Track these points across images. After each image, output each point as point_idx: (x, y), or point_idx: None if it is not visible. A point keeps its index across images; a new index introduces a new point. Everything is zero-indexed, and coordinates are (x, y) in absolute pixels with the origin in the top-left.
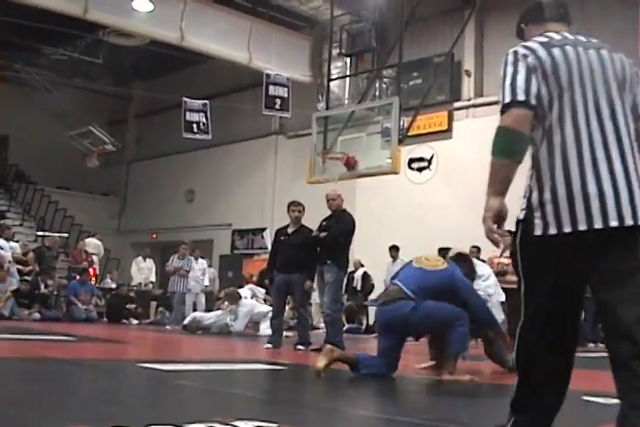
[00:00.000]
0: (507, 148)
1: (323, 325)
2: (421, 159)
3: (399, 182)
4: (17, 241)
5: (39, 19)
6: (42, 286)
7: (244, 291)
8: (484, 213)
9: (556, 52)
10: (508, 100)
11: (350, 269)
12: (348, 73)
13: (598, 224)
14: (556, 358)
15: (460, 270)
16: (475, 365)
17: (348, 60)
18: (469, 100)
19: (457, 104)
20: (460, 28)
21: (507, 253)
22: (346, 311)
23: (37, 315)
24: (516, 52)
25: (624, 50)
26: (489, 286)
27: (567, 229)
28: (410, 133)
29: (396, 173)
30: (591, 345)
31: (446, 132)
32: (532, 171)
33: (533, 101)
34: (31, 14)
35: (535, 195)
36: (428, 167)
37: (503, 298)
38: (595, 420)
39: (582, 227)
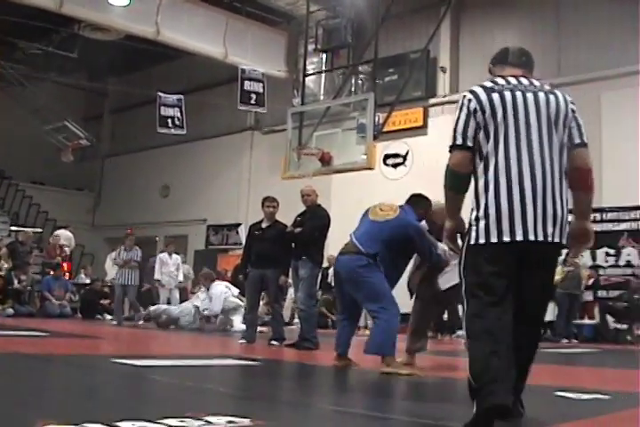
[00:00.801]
0: (450, 183)
1: (297, 320)
2: (396, 155)
3: (374, 178)
4: None
5: (14, 13)
6: (15, 282)
7: (219, 284)
8: (447, 232)
9: (495, 95)
10: (450, 143)
11: (325, 264)
12: (323, 68)
13: (517, 238)
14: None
15: (412, 215)
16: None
17: (324, 55)
18: (445, 96)
19: (432, 100)
20: (435, 25)
21: None
22: (325, 304)
23: (11, 310)
24: (464, 97)
25: (625, 49)
26: None
27: (481, 241)
28: (385, 129)
29: (371, 168)
30: (564, 341)
31: (421, 129)
32: (474, 193)
33: (469, 143)
34: (6, 8)
35: (474, 213)
36: (403, 163)
37: None
38: (567, 415)
39: (505, 238)
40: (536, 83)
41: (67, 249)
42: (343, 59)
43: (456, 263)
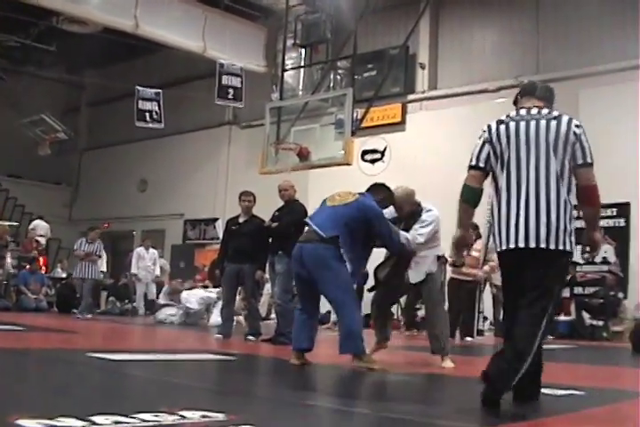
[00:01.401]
0: (465, 197)
1: (274, 315)
2: (374, 151)
3: (352, 174)
4: None
5: None
6: None
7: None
8: (455, 240)
9: (502, 127)
10: (468, 164)
11: None
12: (302, 64)
13: (510, 245)
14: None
15: (372, 199)
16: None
17: (303, 50)
18: (423, 92)
19: (411, 96)
20: (414, 21)
21: None
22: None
23: None
24: (483, 129)
25: (603, 48)
26: (422, 235)
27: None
28: (363, 125)
29: (348, 164)
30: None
31: (400, 125)
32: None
33: (481, 164)
34: None
35: (492, 229)
36: (381, 159)
37: (441, 253)
38: (542, 411)
39: (504, 247)
40: (544, 111)
41: (43, 239)
42: (322, 54)
43: (424, 255)
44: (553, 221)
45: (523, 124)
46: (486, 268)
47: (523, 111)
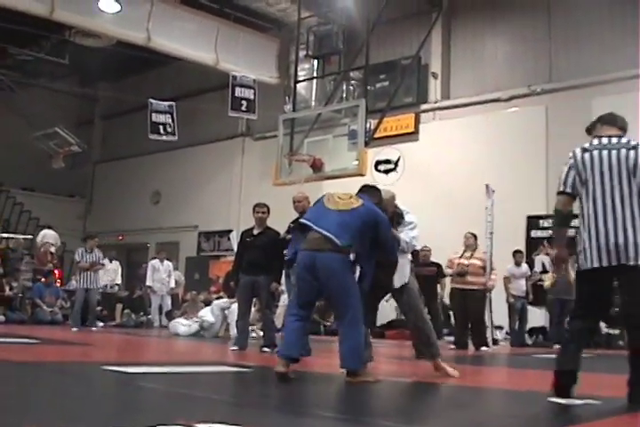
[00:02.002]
0: (558, 221)
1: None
2: (388, 161)
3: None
4: None
5: (5, 19)
6: (6, 289)
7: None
8: (554, 259)
9: (587, 155)
10: (557, 190)
11: None
12: (314, 75)
13: (596, 264)
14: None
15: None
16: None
17: (315, 62)
18: (436, 102)
19: (423, 106)
20: (427, 31)
21: (467, 255)
22: (317, 311)
23: (2, 317)
24: (569, 156)
25: (616, 55)
26: (415, 237)
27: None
28: (376, 136)
29: (362, 175)
30: (557, 346)
31: (413, 135)
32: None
33: (569, 190)
34: None
35: (580, 246)
36: (394, 169)
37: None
38: (559, 421)
39: (596, 265)
40: (623, 140)
41: (53, 249)
42: (334, 65)
43: (403, 259)
44: (630, 240)
45: (605, 153)
46: (494, 276)
47: (604, 140)
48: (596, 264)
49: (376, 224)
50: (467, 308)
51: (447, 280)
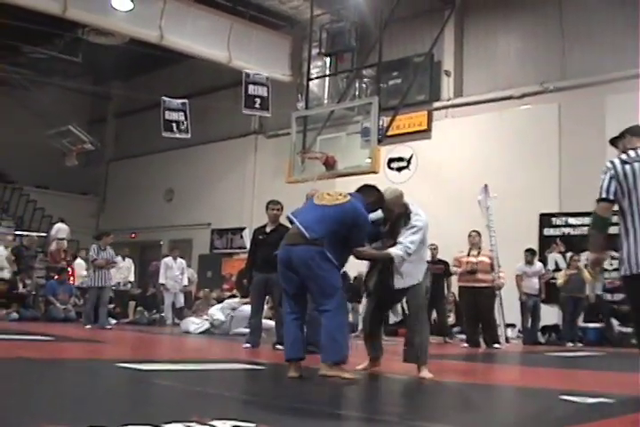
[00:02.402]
0: (595, 225)
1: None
2: (401, 159)
3: (378, 182)
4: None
5: (18, 17)
6: (20, 286)
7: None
8: (590, 261)
9: (627, 167)
10: (599, 196)
11: None
12: (327, 72)
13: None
14: None
15: (361, 203)
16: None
17: (328, 59)
18: (449, 100)
19: (436, 104)
20: (439, 29)
21: (474, 253)
22: None
23: (15, 315)
24: (606, 166)
25: (629, 52)
26: (413, 242)
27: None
28: (389, 133)
29: (375, 172)
30: (569, 344)
31: (425, 132)
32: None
33: (611, 197)
34: (10, 13)
35: (620, 255)
36: (407, 167)
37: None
38: (572, 419)
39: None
40: None
41: (64, 243)
42: (347, 62)
43: (412, 262)
44: None
45: None
46: (502, 274)
47: None
48: (627, 273)
49: (354, 224)
50: (477, 306)
51: (454, 279)
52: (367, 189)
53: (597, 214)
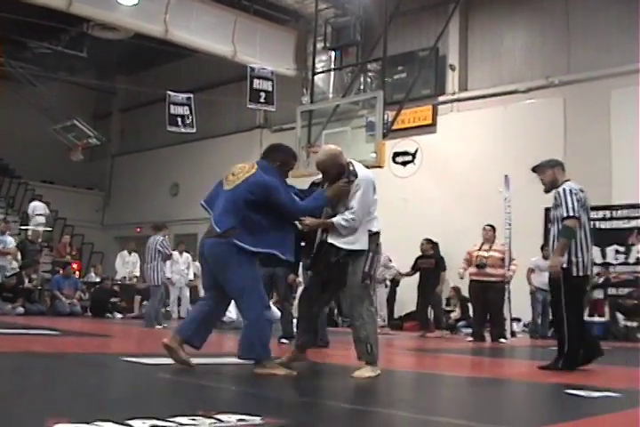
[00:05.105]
0: (569, 236)
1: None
2: (406, 153)
3: (383, 176)
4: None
5: (23, 12)
6: (26, 280)
7: None
8: (553, 264)
9: (582, 194)
10: (570, 214)
11: None
12: (332, 67)
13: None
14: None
15: (268, 169)
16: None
17: (333, 53)
18: (454, 94)
19: (441, 98)
20: (444, 23)
21: (486, 247)
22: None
23: (21, 309)
24: (571, 190)
25: (634, 47)
26: (354, 212)
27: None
28: (394, 127)
29: (380, 166)
30: None
31: (431, 127)
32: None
33: (577, 215)
34: (15, 8)
35: (576, 258)
36: (412, 161)
37: (376, 229)
38: (578, 413)
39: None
40: None
41: (42, 218)
42: (352, 57)
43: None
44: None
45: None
46: (513, 267)
47: None
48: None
49: (265, 197)
50: (486, 300)
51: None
52: (271, 153)
53: (571, 228)
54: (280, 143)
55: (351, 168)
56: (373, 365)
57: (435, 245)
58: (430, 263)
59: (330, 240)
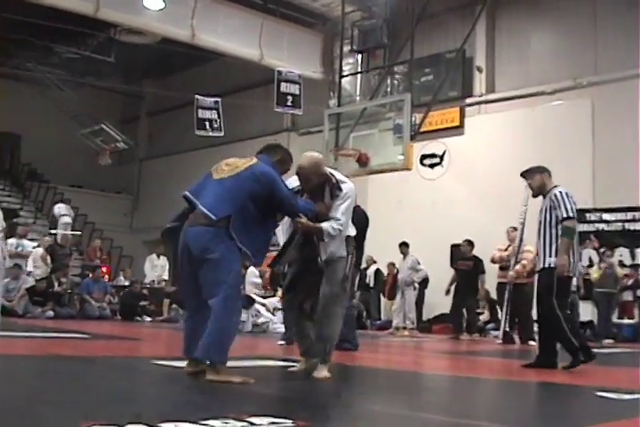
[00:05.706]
0: (571, 236)
1: None
2: (433, 155)
3: (411, 178)
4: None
5: (51, 18)
6: (55, 284)
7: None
8: (561, 263)
9: (574, 199)
10: (571, 215)
11: (363, 265)
12: (359, 69)
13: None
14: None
15: (269, 162)
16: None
17: (360, 56)
18: (481, 96)
19: (469, 100)
20: (471, 24)
21: (510, 249)
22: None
23: (51, 313)
24: (567, 193)
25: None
26: (342, 213)
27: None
28: (422, 130)
29: (408, 169)
30: (607, 341)
31: (458, 129)
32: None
33: (575, 216)
34: (43, 13)
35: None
36: (440, 163)
37: (353, 233)
38: (609, 415)
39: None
40: None
41: (68, 219)
42: (379, 59)
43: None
44: None
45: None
46: (518, 267)
47: None
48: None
49: (269, 187)
50: (513, 301)
51: (487, 276)
52: (271, 147)
53: (571, 228)
54: (279, 143)
55: (334, 181)
56: (327, 364)
57: (473, 246)
58: (468, 265)
59: (320, 253)
